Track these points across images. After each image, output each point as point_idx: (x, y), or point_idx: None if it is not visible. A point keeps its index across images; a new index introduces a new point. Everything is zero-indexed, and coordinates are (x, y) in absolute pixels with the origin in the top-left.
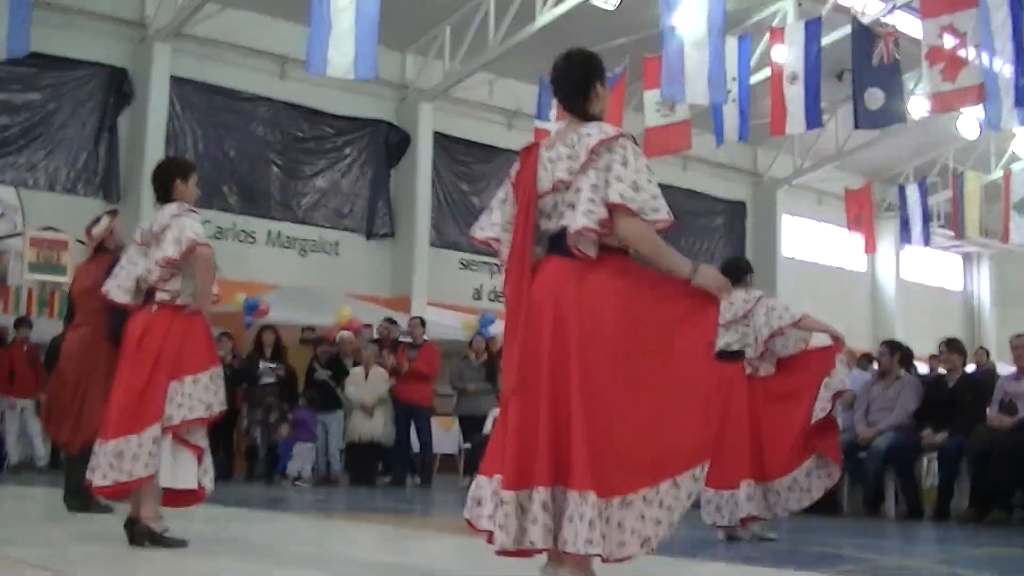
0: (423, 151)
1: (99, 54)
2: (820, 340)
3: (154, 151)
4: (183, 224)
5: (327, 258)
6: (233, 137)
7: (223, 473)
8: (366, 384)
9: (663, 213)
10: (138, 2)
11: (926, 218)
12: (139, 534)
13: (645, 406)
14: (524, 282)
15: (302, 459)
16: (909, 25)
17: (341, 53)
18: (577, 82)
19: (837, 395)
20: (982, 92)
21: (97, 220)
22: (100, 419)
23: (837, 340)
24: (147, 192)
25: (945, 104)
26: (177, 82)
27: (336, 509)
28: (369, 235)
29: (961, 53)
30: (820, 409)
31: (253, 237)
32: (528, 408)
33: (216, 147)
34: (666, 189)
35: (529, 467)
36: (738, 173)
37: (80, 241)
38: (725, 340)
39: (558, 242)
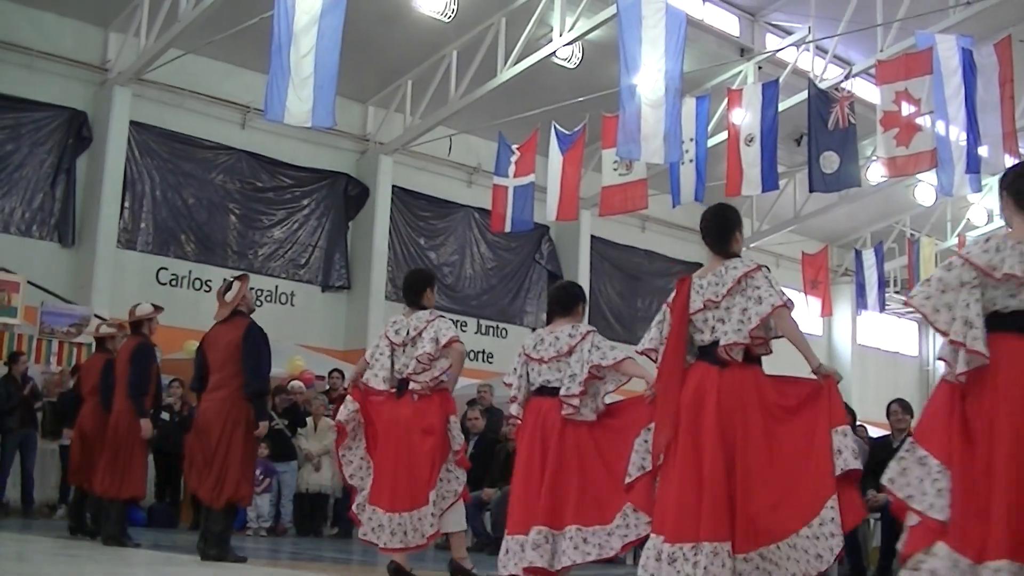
0: (381, 204)
1: (59, 96)
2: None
3: (111, 195)
4: (438, 325)
5: (282, 309)
6: (192, 185)
7: (169, 521)
8: (315, 435)
9: (784, 295)
10: (100, 46)
11: (882, 283)
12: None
13: (777, 475)
14: (677, 382)
15: (258, 510)
16: (867, 91)
17: (299, 101)
18: (722, 232)
19: None
20: (934, 157)
21: (229, 286)
22: (244, 477)
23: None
24: (103, 236)
25: (899, 168)
26: (137, 127)
27: (282, 558)
28: (325, 287)
29: (918, 120)
30: (635, 467)
31: (208, 286)
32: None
33: (174, 194)
34: (625, 249)
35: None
36: (696, 235)
37: (33, 284)
38: (545, 377)
39: (708, 351)
